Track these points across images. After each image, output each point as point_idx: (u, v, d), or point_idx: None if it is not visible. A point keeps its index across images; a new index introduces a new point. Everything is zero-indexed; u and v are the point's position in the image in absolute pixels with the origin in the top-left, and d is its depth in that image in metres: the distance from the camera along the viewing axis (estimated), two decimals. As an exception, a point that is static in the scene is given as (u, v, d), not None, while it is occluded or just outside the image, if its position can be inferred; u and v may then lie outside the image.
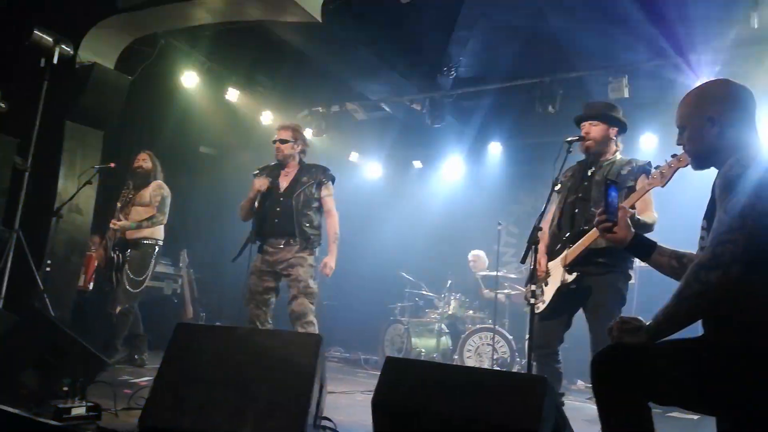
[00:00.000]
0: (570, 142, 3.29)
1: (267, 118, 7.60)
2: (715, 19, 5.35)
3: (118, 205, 5.22)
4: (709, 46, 5.52)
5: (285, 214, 4.16)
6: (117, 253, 5.08)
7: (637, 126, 6.88)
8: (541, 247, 3.31)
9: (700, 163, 1.94)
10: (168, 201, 5.22)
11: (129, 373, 4.56)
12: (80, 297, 5.97)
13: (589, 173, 3.32)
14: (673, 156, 2.39)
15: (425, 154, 8.94)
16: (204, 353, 2.66)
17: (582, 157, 3.47)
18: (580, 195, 3.30)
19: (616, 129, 3.35)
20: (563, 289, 3.19)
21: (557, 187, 3.36)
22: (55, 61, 4.80)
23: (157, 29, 5.89)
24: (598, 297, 3.13)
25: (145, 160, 5.26)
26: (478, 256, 7.34)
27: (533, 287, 3.07)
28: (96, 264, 6.14)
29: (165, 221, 5.21)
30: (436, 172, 8.88)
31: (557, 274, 3.24)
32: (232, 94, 7.06)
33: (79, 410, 2.86)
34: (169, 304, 6.50)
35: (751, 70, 5.40)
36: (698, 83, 5.61)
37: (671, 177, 2.50)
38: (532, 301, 3.02)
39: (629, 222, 2.06)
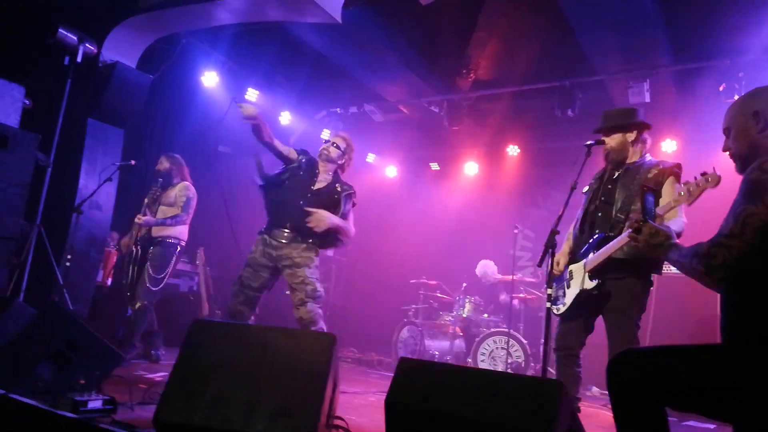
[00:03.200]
0: (589, 146, 3.28)
1: (285, 118, 7.64)
2: (737, 25, 5.28)
3: (146, 201, 5.24)
4: (732, 51, 5.44)
5: (305, 210, 3.87)
6: (137, 247, 5.10)
7: (659, 131, 6.81)
8: (565, 247, 3.38)
9: (743, 164, 1.87)
10: (193, 202, 5.24)
11: (144, 369, 4.60)
12: (99, 292, 6.05)
13: (615, 176, 3.31)
14: (703, 175, 2.33)
15: (442, 156, 8.93)
16: (218, 350, 2.67)
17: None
18: (603, 198, 3.29)
19: (634, 132, 3.32)
20: (584, 294, 3.17)
21: (584, 189, 3.41)
22: (79, 59, 4.88)
23: (178, 29, 5.96)
24: (617, 302, 3.10)
25: (161, 162, 5.29)
26: (485, 271, 7.23)
27: (550, 291, 3.05)
28: (116, 260, 6.22)
29: (188, 222, 5.25)
30: (453, 175, 8.87)
31: (579, 277, 3.22)
32: (252, 95, 7.11)
33: (95, 403, 2.90)
34: (186, 301, 6.55)
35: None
36: (721, 88, 5.58)
37: (698, 197, 2.41)
38: (548, 305, 3.00)
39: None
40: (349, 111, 7.70)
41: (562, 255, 3.34)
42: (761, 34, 5.17)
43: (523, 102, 7.13)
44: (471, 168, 8.59)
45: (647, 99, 5.81)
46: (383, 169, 9.18)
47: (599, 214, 3.26)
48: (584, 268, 3.16)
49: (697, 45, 5.71)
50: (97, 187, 5.05)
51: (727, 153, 1.96)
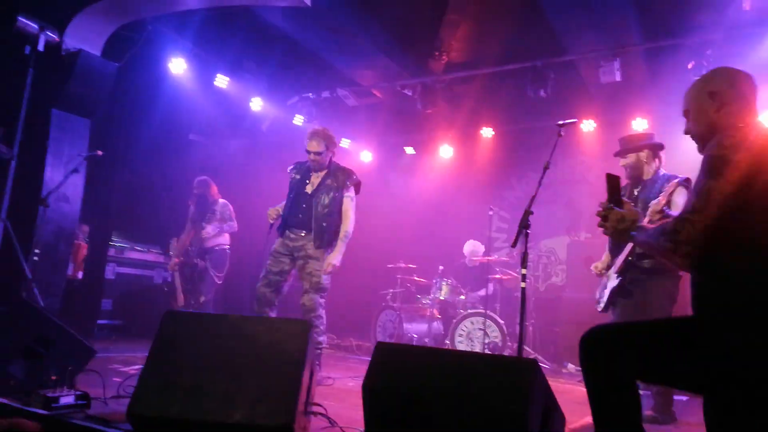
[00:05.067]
0: (561, 126, 3.29)
1: (257, 104, 7.54)
2: (705, 2, 5.33)
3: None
4: (701, 29, 5.50)
5: (307, 213, 4.45)
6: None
7: (630, 109, 6.88)
8: (604, 257, 4.01)
9: (703, 144, 1.91)
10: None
11: (119, 362, 4.54)
12: (70, 285, 5.93)
13: (636, 193, 3.84)
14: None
15: (417, 140, 8.91)
16: (193, 341, 2.64)
17: None
18: None
19: (646, 152, 3.83)
20: (615, 290, 3.74)
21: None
22: (40, 48, 4.72)
23: (143, 15, 5.80)
24: (646, 297, 3.58)
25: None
26: (473, 250, 7.28)
27: (524, 271, 3.07)
28: (86, 252, 6.11)
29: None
30: (428, 158, 8.86)
31: (613, 278, 3.80)
32: (221, 81, 6.98)
33: (67, 399, 2.86)
34: (160, 293, 6.47)
35: (744, 52, 5.39)
36: (690, 65, 5.64)
37: None
38: (523, 285, 3.02)
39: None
40: (322, 96, 7.62)
41: (601, 263, 3.99)
42: (728, 11, 5.23)
43: (495, 83, 7.13)
44: (446, 151, 8.59)
45: (618, 78, 5.85)
46: (358, 153, 9.13)
47: None
48: (614, 270, 3.80)
49: (666, 23, 5.75)
50: (63, 179, 4.93)
51: (689, 135, 2.00)
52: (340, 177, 4.54)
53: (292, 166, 4.73)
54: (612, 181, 1.99)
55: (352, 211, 4.55)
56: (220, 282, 6.16)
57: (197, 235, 6.11)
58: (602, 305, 3.88)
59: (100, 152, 5.04)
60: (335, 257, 4.38)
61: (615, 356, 1.69)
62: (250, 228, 8.30)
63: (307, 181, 4.56)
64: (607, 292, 3.83)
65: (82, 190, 5.58)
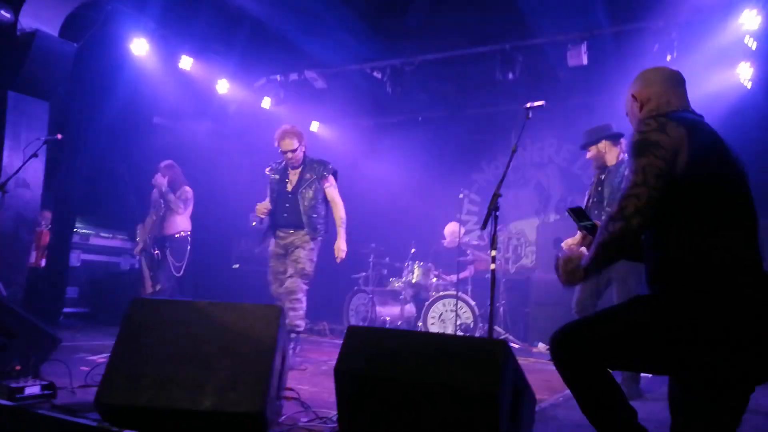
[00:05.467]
0: (529, 108, 3.30)
1: (223, 86, 7.38)
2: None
3: None
4: (666, 12, 5.57)
5: (293, 210, 4.64)
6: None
7: (597, 93, 6.96)
8: (577, 236, 4.07)
9: None
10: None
11: (87, 350, 4.45)
12: (33, 274, 5.78)
13: (602, 178, 4.18)
14: None
15: (387, 123, 8.88)
16: (161, 328, 2.59)
17: None
18: (595, 199, 4.15)
19: (606, 142, 4.16)
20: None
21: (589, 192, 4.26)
22: (-7, 27, 4.53)
23: (103, -7, 5.62)
24: (620, 275, 3.83)
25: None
26: (454, 230, 7.27)
27: (494, 253, 3.09)
28: (48, 239, 5.95)
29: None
30: (398, 141, 8.83)
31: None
32: (186, 62, 6.81)
33: (32, 389, 2.79)
34: (126, 279, 6.35)
35: (707, 35, 5.48)
36: (655, 48, 5.71)
37: None
38: (493, 267, 3.04)
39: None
40: (290, 78, 7.50)
41: (572, 240, 4.11)
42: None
43: (464, 66, 7.12)
44: (415, 134, 8.57)
45: (585, 61, 5.90)
46: (327, 137, 9.06)
47: (595, 212, 4.11)
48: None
49: (632, 7, 5.80)
50: (22, 164, 4.76)
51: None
52: (318, 168, 4.71)
53: (269, 168, 4.90)
54: (574, 212, 2.12)
55: (338, 197, 4.77)
56: (179, 274, 5.87)
57: (157, 222, 5.91)
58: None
59: (59, 136, 4.87)
60: (342, 243, 4.70)
61: (584, 353, 1.75)
62: (216, 213, 8.20)
63: (287, 180, 4.75)
64: None
65: (43, 175, 5.42)
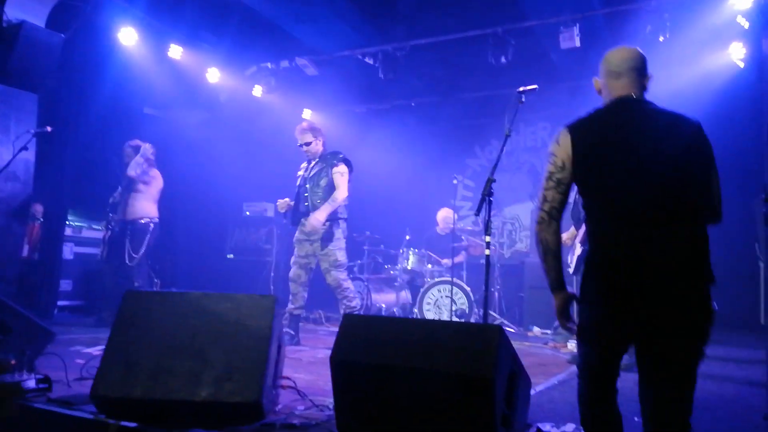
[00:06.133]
0: (522, 92, 3.28)
1: (214, 75, 7.31)
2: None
3: None
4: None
5: (310, 200, 4.94)
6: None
7: (590, 76, 6.93)
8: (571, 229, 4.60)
9: None
10: None
11: (82, 343, 4.44)
12: (25, 267, 5.75)
13: None
14: None
15: (379, 109, 8.82)
16: (155, 320, 2.59)
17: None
18: None
19: None
20: (581, 257, 4.31)
21: None
22: (-22, 19, 4.46)
23: (89, -18, 5.54)
24: None
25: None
26: (446, 216, 7.27)
27: (488, 238, 3.09)
28: (40, 232, 5.92)
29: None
30: (392, 128, 8.79)
31: (578, 247, 4.43)
32: (175, 51, 6.73)
33: (28, 383, 2.79)
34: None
35: (699, 15, 5.46)
36: (648, 29, 5.68)
37: None
38: (487, 252, 3.04)
39: None
40: (281, 65, 7.44)
41: (566, 234, 4.53)
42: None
43: (456, 50, 7.07)
44: (408, 120, 8.53)
45: (577, 44, 5.87)
46: (320, 124, 8.97)
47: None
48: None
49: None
50: (12, 157, 4.72)
51: None
52: (328, 158, 5.04)
53: (302, 166, 5.23)
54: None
55: (342, 182, 4.93)
56: (131, 263, 5.57)
57: (122, 205, 5.72)
58: (572, 268, 4.45)
59: (49, 128, 4.84)
60: (319, 213, 4.78)
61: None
62: (209, 203, 8.17)
63: (306, 173, 5.11)
64: (574, 258, 4.44)
65: (33, 168, 5.36)
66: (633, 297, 1.77)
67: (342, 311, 4.83)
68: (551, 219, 1.97)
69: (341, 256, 4.91)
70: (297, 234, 5.06)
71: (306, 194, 4.99)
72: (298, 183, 5.13)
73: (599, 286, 1.85)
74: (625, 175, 1.87)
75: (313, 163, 5.08)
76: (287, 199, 5.09)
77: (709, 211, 1.87)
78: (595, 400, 1.88)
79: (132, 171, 5.64)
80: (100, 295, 6.20)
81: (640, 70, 2.01)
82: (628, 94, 1.99)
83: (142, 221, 5.68)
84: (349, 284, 4.97)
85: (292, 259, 5.07)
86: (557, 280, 1.96)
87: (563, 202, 1.99)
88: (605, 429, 1.86)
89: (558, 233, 1.99)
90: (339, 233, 4.93)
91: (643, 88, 2.01)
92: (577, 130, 2.00)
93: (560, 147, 1.98)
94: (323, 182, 4.92)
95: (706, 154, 1.87)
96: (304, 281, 5.00)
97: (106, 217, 6.09)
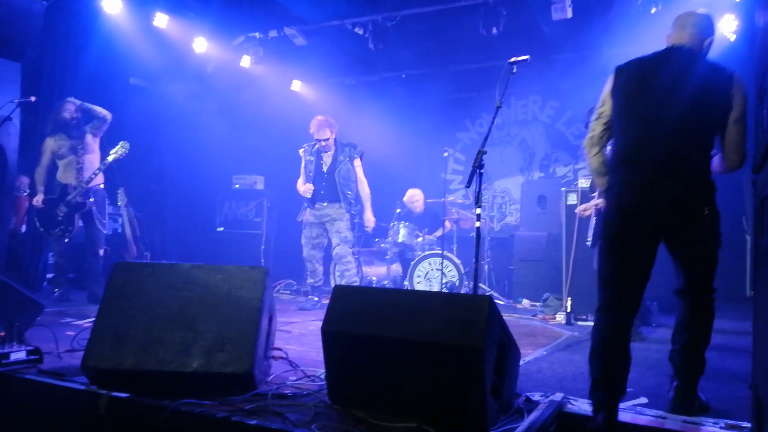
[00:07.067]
0: (513, 63, 3.25)
1: (201, 45, 7.18)
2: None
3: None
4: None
5: (330, 187, 5.54)
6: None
7: (581, 48, 6.87)
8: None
9: None
10: None
11: (72, 316, 4.44)
12: (13, 240, 5.70)
13: None
14: None
15: (369, 81, 8.73)
16: (145, 291, 2.58)
17: None
18: None
19: None
20: (596, 229, 4.47)
21: None
22: (-45, -16, 4.33)
23: (70, -53, 5.37)
24: None
25: (73, 111, 5.38)
26: (416, 197, 7.27)
27: (479, 211, 3.10)
28: (28, 205, 5.84)
29: None
30: (382, 100, 8.72)
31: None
32: (161, 20, 6.58)
33: (18, 355, 2.78)
34: (110, 244, 6.28)
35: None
36: (640, 1, 5.60)
37: None
38: (477, 224, 3.05)
39: None
40: (269, 35, 7.31)
41: (583, 206, 4.82)
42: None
43: (447, 21, 6.98)
44: (398, 92, 8.45)
45: (569, 15, 5.81)
46: (309, 96, 8.90)
47: None
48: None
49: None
50: (-4, 127, 4.64)
51: None
52: (349, 151, 5.64)
53: (303, 149, 5.72)
54: None
55: (364, 177, 5.73)
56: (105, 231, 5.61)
57: (70, 170, 5.43)
58: (590, 242, 4.62)
59: (33, 98, 4.75)
60: (370, 215, 5.83)
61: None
62: (197, 175, 8.09)
63: (321, 162, 5.61)
64: (591, 231, 4.62)
65: (18, 139, 5.27)
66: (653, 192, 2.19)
67: (334, 284, 4.88)
68: (592, 146, 2.48)
69: (350, 235, 5.67)
70: (308, 216, 5.61)
71: (324, 183, 5.53)
72: (305, 167, 5.63)
73: (623, 181, 2.28)
74: (644, 109, 2.25)
75: (330, 154, 5.59)
76: (310, 185, 5.55)
77: (723, 154, 2.27)
78: (612, 328, 2.18)
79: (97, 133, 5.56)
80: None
81: (700, 28, 2.32)
82: (680, 44, 2.31)
83: (102, 187, 5.66)
84: (351, 258, 5.65)
85: (304, 240, 5.63)
86: (603, 185, 2.46)
87: (604, 132, 2.44)
88: (616, 363, 2.13)
89: (599, 157, 2.47)
90: (348, 215, 5.64)
91: (699, 42, 2.31)
92: (621, 70, 2.38)
93: (606, 85, 2.41)
94: (345, 172, 5.55)
95: (729, 102, 2.18)
96: (318, 258, 5.68)
97: (114, 202, 6.21)
